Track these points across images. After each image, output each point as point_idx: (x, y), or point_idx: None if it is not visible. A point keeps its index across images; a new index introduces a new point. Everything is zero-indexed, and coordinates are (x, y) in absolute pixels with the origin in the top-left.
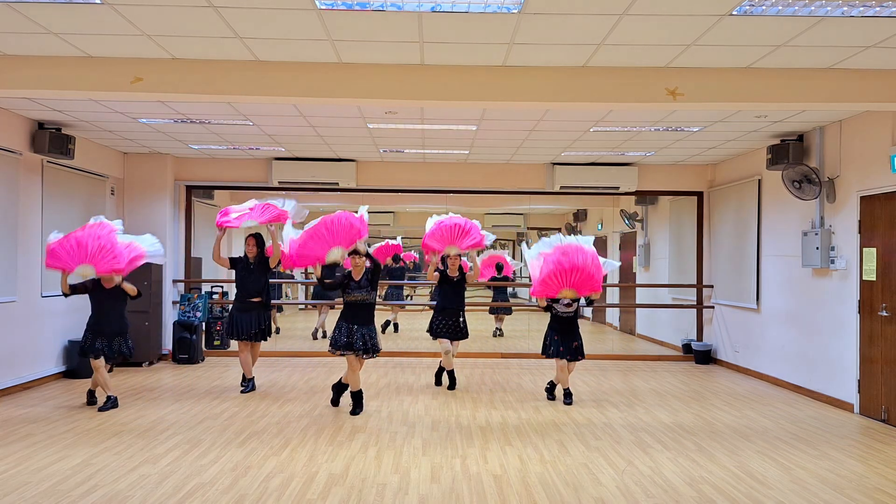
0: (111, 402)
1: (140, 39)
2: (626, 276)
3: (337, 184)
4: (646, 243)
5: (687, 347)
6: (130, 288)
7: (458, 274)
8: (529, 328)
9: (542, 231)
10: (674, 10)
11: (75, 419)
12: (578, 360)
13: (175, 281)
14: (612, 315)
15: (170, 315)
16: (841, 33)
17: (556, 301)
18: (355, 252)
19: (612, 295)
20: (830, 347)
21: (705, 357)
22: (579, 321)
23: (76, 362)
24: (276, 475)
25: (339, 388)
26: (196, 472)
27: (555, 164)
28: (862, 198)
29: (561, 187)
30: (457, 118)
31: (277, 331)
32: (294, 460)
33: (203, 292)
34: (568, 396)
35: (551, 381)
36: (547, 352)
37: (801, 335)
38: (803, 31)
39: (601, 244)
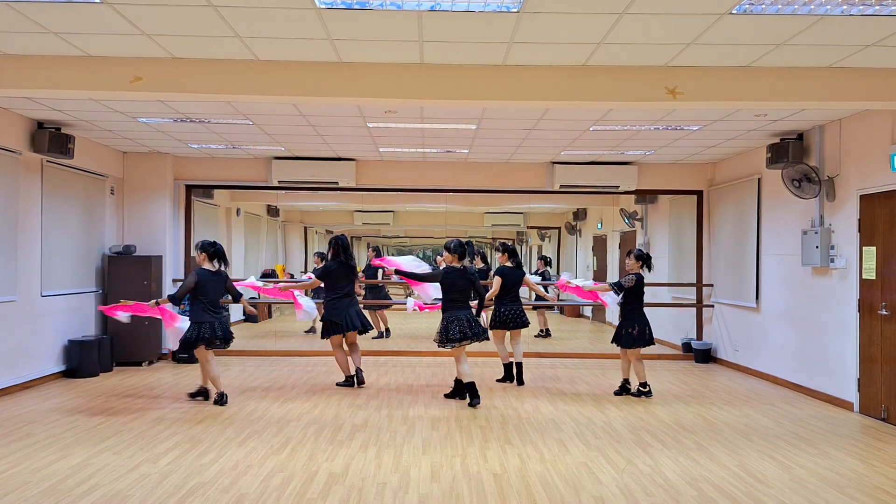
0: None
1: (140, 39)
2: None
3: (337, 183)
4: (646, 242)
5: (687, 346)
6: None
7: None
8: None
9: (542, 230)
10: (673, 9)
11: (75, 419)
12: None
13: (175, 280)
14: (613, 314)
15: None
16: (840, 32)
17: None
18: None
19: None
20: (830, 346)
21: (705, 356)
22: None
23: (76, 362)
24: (277, 474)
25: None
26: (196, 472)
27: (555, 163)
28: (862, 196)
29: (561, 186)
30: (456, 117)
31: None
32: (294, 459)
33: None
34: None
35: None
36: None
37: (800, 334)
38: (803, 30)
39: (601, 243)
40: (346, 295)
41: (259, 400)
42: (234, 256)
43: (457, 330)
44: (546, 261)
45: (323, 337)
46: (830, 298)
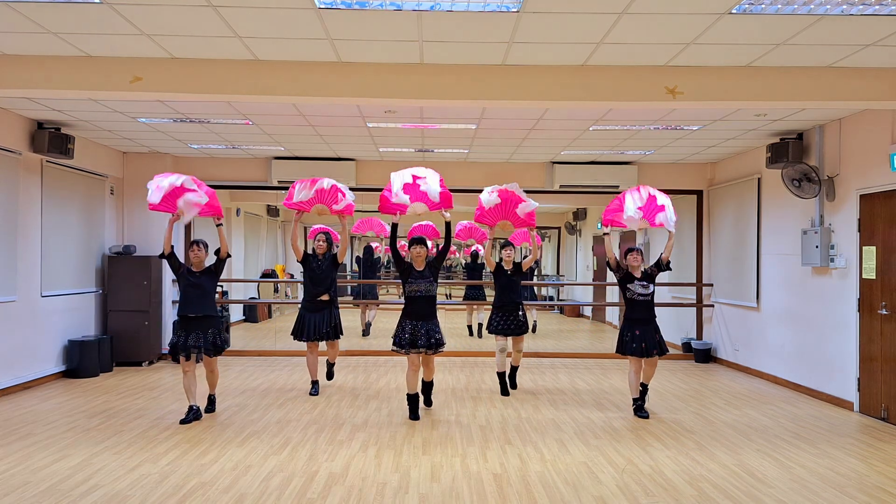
0: (192, 414)
1: (139, 39)
2: None
3: None
4: (646, 242)
5: (687, 346)
6: (223, 244)
7: (511, 266)
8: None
9: (542, 230)
10: (673, 9)
11: (75, 419)
12: (657, 354)
13: (175, 280)
14: (612, 314)
15: (169, 314)
16: (840, 31)
17: (632, 282)
18: (419, 242)
19: (612, 293)
20: (830, 346)
21: (705, 356)
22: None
23: (76, 362)
24: (277, 474)
25: (414, 399)
26: (196, 472)
27: (554, 162)
28: (861, 196)
29: (560, 186)
30: (456, 117)
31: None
32: (294, 459)
33: None
34: (642, 401)
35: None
36: (625, 349)
37: (800, 334)
38: (803, 30)
39: (601, 242)
40: None
41: (259, 400)
42: (234, 256)
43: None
44: None
45: (336, 338)
46: (830, 298)
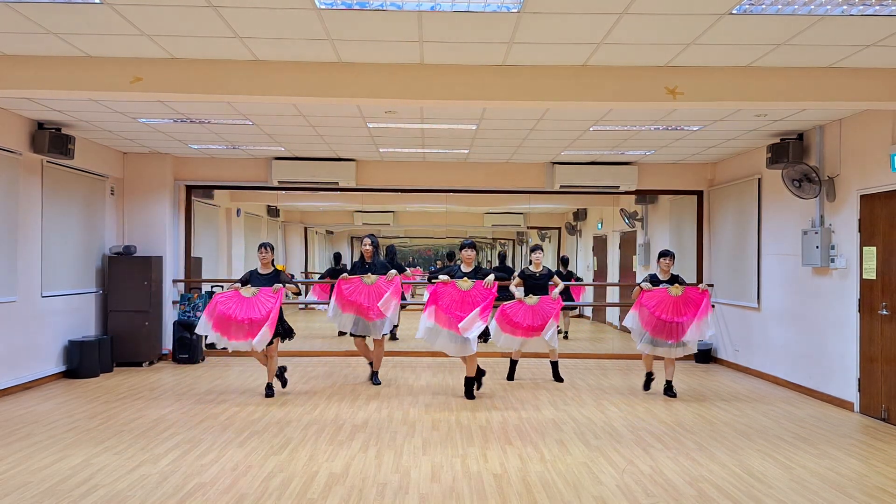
0: (269, 389)
1: (140, 39)
2: (627, 275)
3: (337, 183)
4: (646, 242)
5: None
6: (291, 287)
7: (541, 269)
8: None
9: (542, 230)
10: (673, 9)
11: (75, 419)
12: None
13: (175, 281)
14: (612, 314)
15: (170, 315)
16: (841, 32)
17: (658, 284)
18: (469, 246)
19: (613, 294)
20: (831, 346)
21: (705, 356)
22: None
23: (76, 362)
24: (277, 475)
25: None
26: (196, 472)
27: (555, 163)
28: (862, 196)
29: (561, 186)
30: (456, 117)
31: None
32: (294, 460)
33: (203, 292)
34: (670, 393)
35: (648, 373)
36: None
37: (801, 334)
38: (803, 30)
39: (601, 243)
40: None
41: (259, 400)
42: (235, 257)
43: None
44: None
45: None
46: (831, 298)
